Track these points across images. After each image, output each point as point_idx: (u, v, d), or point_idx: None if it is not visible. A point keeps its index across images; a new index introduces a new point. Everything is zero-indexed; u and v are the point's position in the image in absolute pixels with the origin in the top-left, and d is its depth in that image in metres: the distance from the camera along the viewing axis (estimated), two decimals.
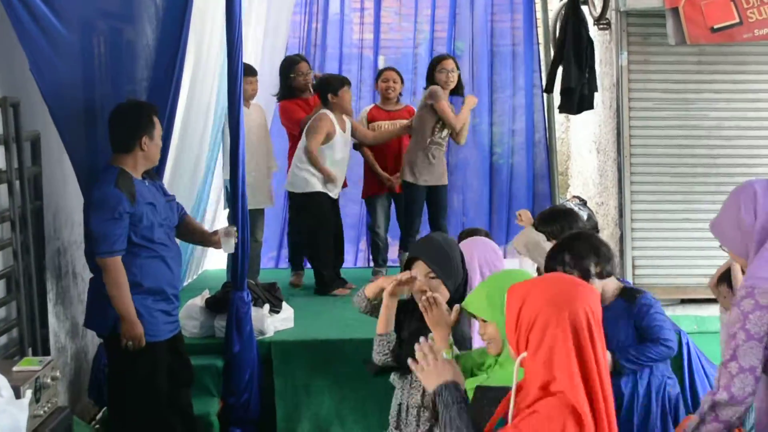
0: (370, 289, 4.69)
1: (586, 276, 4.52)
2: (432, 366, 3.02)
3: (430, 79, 9.03)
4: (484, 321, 3.50)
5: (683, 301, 9.25)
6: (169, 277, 5.96)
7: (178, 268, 6.16)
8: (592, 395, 2.75)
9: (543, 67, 10.68)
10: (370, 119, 9.63)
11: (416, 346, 3.08)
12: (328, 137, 8.84)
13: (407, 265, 4.48)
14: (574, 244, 4.66)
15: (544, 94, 10.44)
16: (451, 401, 2.90)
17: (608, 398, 2.82)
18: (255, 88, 9.10)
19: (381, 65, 10.89)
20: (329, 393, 7.04)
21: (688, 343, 7.25)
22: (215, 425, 6.85)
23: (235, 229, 6.62)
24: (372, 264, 10.10)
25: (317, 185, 8.86)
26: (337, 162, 8.97)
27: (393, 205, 9.73)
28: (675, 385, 4.99)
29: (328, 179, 8.82)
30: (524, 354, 2.81)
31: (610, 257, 4.73)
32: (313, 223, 9.00)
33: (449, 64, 9.00)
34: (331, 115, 8.87)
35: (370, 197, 9.84)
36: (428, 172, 9.02)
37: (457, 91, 9.08)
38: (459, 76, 9.09)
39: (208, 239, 6.55)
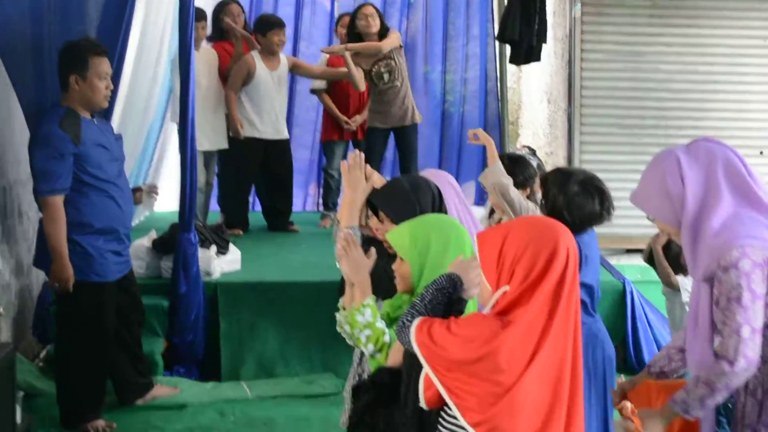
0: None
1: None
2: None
3: (353, 29, 8.96)
4: (401, 259, 3.47)
5: (628, 251, 9.35)
6: (120, 216, 5.92)
7: (129, 207, 6.12)
8: (564, 329, 2.81)
9: (496, 17, 10.67)
10: (330, 64, 9.61)
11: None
12: (249, 77, 8.92)
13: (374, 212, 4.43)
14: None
15: (497, 44, 10.44)
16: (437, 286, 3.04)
17: (577, 341, 2.88)
18: (207, 32, 9.08)
19: (337, 12, 10.84)
20: (274, 334, 7.07)
21: (632, 292, 7.36)
22: (160, 364, 6.85)
23: (157, 187, 6.59)
24: (322, 207, 10.12)
25: (245, 131, 8.97)
26: (262, 100, 9.01)
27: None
28: (604, 346, 4.89)
29: (238, 125, 8.88)
30: (506, 288, 2.83)
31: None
32: (232, 167, 9.16)
33: (368, 9, 8.95)
34: (256, 56, 8.97)
35: (329, 141, 9.84)
36: (383, 116, 9.01)
37: (384, 36, 9.00)
38: (382, 21, 9.01)
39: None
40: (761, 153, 9.04)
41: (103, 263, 5.85)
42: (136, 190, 6.45)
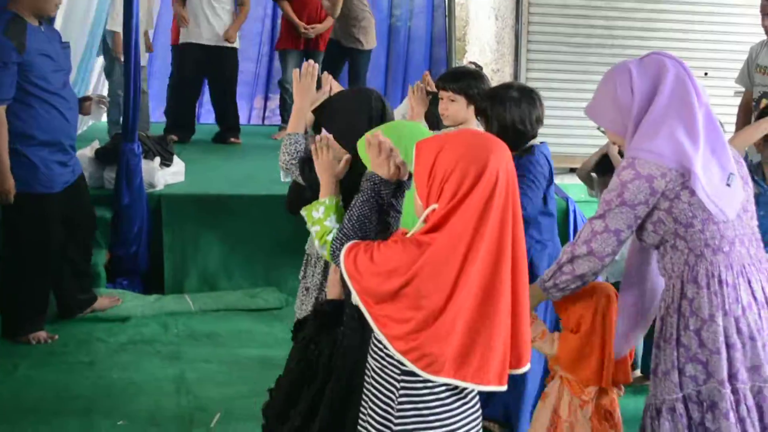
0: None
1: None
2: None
3: None
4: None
5: (572, 170, 9.41)
6: (65, 128, 5.83)
7: (75, 118, 6.02)
8: (501, 250, 2.77)
9: None
10: None
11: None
12: None
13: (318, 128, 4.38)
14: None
15: None
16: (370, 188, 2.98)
17: (518, 260, 2.85)
18: None
19: None
20: (218, 247, 7.06)
21: (575, 210, 7.41)
22: (102, 276, 6.82)
23: (107, 98, 6.48)
24: (281, 121, 10.06)
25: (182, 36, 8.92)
26: (203, 5, 8.93)
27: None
28: (542, 250, 4.92)
29: (183, 20, 8.82)
30: (434, 206, 2.79)
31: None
32: (175, 72, 9.19)
33: None
34: None
35: (284, 51, 9.73)
36: (346, 32, 8.95)
37: None
38: None
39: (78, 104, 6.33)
40: (705, 74, 9.11)
41: (48, 174, 5.78)
42: (85, 99, 6.34)
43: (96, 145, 7.38)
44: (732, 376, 3.33)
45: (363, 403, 2.98)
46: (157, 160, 7.30)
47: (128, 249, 6.93)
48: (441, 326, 2.75)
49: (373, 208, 3.00)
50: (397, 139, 3.21)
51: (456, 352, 2.77)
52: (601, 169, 5.55)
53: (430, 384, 2.83)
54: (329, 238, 3.25)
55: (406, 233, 2.87)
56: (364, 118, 3.74)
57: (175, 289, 7.01)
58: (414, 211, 2.98)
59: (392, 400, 2.86)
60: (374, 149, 3.02)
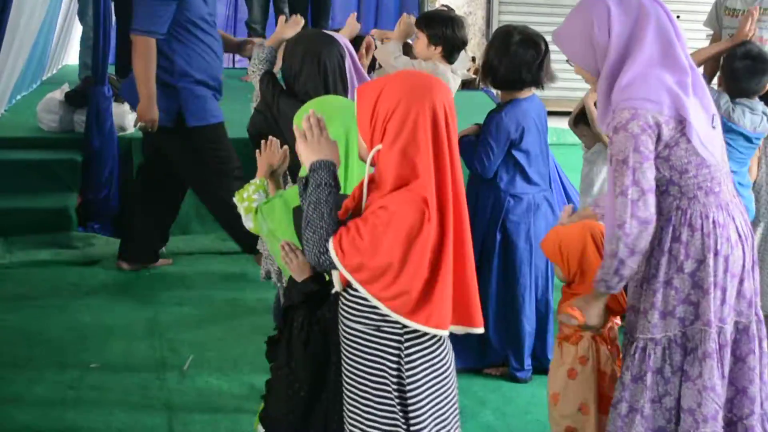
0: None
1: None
2: (315, 139, 2.92)
3: None
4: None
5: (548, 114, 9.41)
6: (219, 67, 6.05)
7: (222, 56, 6.20)
8: (442, 190, 2.78)
9: None
10: None
11: (304, 117, 3.02)
12: None
13: None
14: None
15: None
16: (324, 182, 2.85)
17: (460, 195, 2.85)
18: None
19: None
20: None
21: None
22: (73, 219, 6.81)
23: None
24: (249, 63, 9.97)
25: None
26: None
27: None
28: (547, 217, 4.94)
29: None
30: (379, 146, 2.79)
31: None
32: None
33: None
34: None
35: None
36: None
37: None
38: None
39: (235, 48, 6.42)
40: (678, 17, 9.07)
41: (214, 104, 6.02)
42: (247, 42, 6.28)
43: (66, 88, 7.32)
44: (715, 316, 3.37)
45: (349, 379, 2.96)
46: (127, 103, 7.24)
47: (99, 192, 6.90)
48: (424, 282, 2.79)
49: (329, 187, 2.88)
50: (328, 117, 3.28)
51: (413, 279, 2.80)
52: (578, 121, 5.61)
53: (431, 334, 2.87)
54: (255, 205, 3.41)
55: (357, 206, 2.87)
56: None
57: None
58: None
59: (400, 357, 2.86)
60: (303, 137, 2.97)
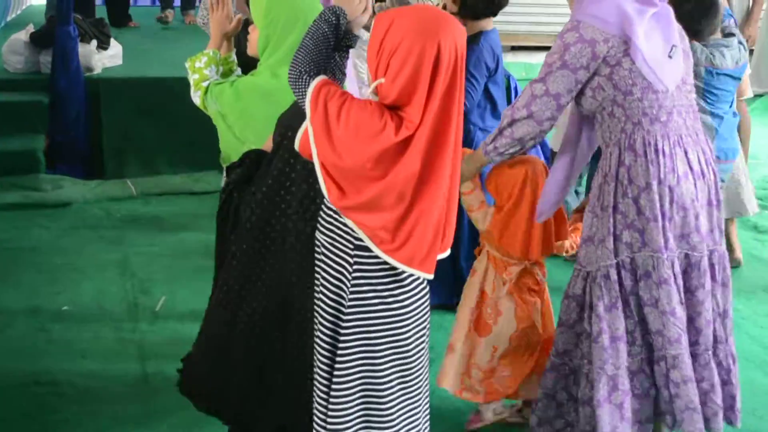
0: None
1: None
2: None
3: None
4: (254, 25, 3.52)
5: (513, 48, 9.40)
6: None
7: None
8: (435, 129, 2.74)
9: None
10: None
11: None
12: None
13: None
14: None
15: None
16: (327, 20, 2.90)
17: (458, 139, 2.82)
18: None
19: None
20: (158, 132, 7.00)
21: (516, 88, 7.40)
22: (41, 162, 6.76)
23: None
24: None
25: None
26: None
27: None
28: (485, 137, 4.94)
29: None
30: (381, 80, 2.76)
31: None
32: None
33: None
34: None
35: None
36: None
37: None
38: None
39: None
40: None
41: None
42: None
43: (31, 28, 7.23)
44: (664, 245, 3.40)
45: (316, 276, 2.98)
46: (94, 43, 7.18)
47: (67, 134, 6.85)
48: (392, 209, 2.77)
49: (331, 27, 2.92)
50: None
51: (403, 238, 2.79)
52: None
53: (382, 260, 2.84)
54: (205, 84, 3.47)
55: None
56: None
57: (117, 174, 6.96)
58: None
59: (345, 276, 2.86)
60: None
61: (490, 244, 3.77)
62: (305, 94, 2.79)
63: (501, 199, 3.69)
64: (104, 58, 7.27)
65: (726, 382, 3.64)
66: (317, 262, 2.98)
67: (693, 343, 3.53)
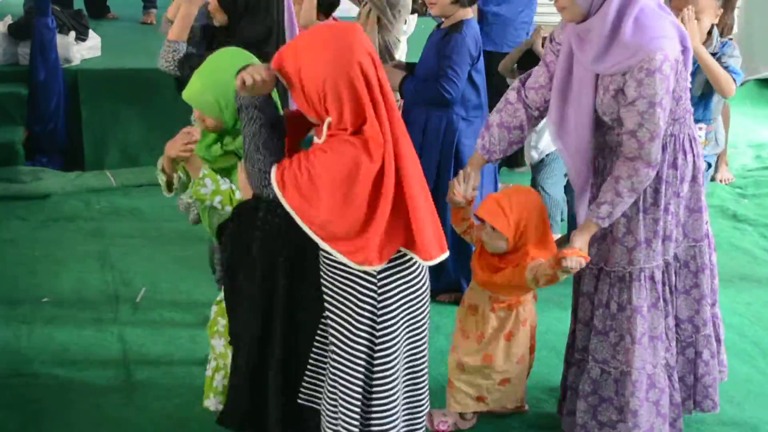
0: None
1: None
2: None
3: None
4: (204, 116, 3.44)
5: None
6: None
7: None
8: (383, 131, 2.78)
9: None
10: None
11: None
12: None
13: None
14: None
15: None
16: (254, 117, 2.85)
17: (402, 135, 2.85)
18: None
19: None
20: (138, 122, 6.97)
21: None
22: (20, 153, 6.73)
23: None
24: None
25: None
26: None
27: None
28: (468, 127, 4.95)
29: None
30: (329, 119, 2.78)
31: None
32: None
33: None
34: None
35: None
36: None
37: None
38: None
39: None
40: None
41: None
42: None
43: (9, 20, 7.18)
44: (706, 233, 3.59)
45: (331, 315, 3.04)
46: (72, 34, 7.14)
47: (46, 125, 6.82)
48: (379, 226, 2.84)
49: (264, 126, 2.88)
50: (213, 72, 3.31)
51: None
52: (523, 64, 5.54)
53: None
54: (238, 195, 3.31)
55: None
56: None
57: (96, 166, 6.94)
58: None
59: (375, 284, 2.94)
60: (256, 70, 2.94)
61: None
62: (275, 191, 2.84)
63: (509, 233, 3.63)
64: (83, 50, 7.23)
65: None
66: (331, 299, 3.03)
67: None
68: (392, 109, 2.84)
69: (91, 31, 7.44)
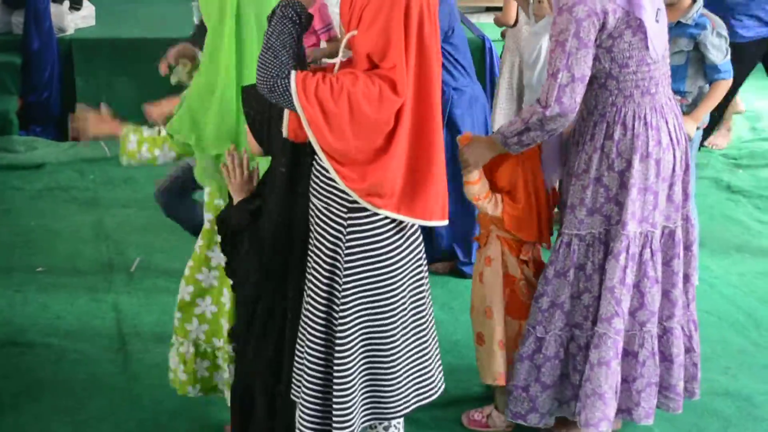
0: None
1: None
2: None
3: None
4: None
5: (488, 9, 9.37)
6: None
7: None
8: (421, 75, 2.75)
9: None
10: None
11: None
12: None
13: None
14: None
15: None
16: (290, 17, 2.74)
17: (433, 90, 2.80)
18: None
19: None
20: (133, 93, 6.90)
21: (490, 49, 7.38)
22: (14, 123, 6.72)
23: None
24: None
25: None
26: None
27: None
28: (485, 110, 4.96)
29: None
30: (354, 32, 2.74)
31: None
32: None
33: None
34: None
35: None
36: None
37: None
38: None
39: None
40: None
41: None
42: None
43: None
44: (643, 219, 3.38)
45: (310, 243, 2.97)
46: (66, 3, 7.12)
47: (40, 95, 6.81)
48: (388, 161, 2.77)
49: (290, 37, 2.78)
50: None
51: (401, 190, 2.80)
52: None
53: (376, 220, 2.84)
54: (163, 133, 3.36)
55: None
56: None
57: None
58: None
59: (340, 239, 2.86)
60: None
61: (500, 228, 3.64)
62: (289, 95, 2.71)
63: (500, 184, 3.58)
64: (77, 19, 7.21)
65: (688, 350, 3.65)
66: (312, 227, 2.95)
67: (667, 318, 3.55)
68: (431, 62, 2.80)
69: (85, 0, 7.41)
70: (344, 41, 2.80)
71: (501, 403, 3.77)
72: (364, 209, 2.82)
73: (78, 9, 7.26)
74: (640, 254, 3.41)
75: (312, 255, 2.96)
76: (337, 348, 2.90)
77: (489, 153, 3.48)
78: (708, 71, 4.50)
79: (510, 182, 3.55)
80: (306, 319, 2.96)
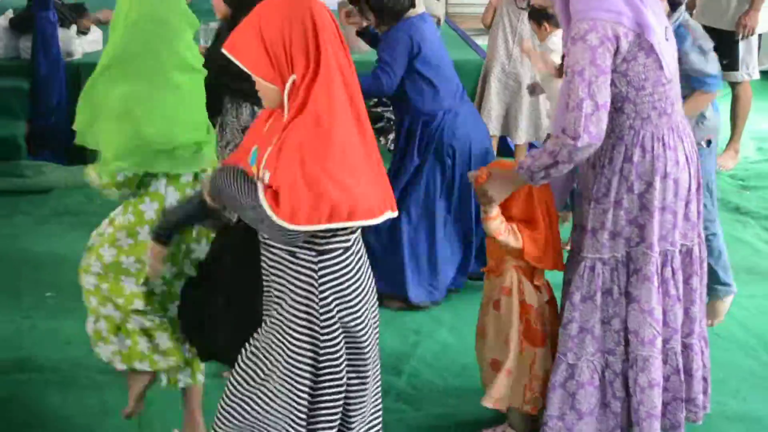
0: None
1: None
2: None
3: None
4: None
5: None
6: None
7: None
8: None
9: None
10: None
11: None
12: None
13: None
14: None
15: None
16: (229, 177, 2.75)
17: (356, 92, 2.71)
18: None
19: None
20: None
21: None
22: (22, 148, 6.74)
23: None
24: None
25: None
26: None
27: None
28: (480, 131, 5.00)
29: None
30: (293, 76, 2.64)
31: None
32: None
33: None
34: None
35: None
36: None
37: None
38: None
39: None
40: None
41: None
42: None
43: (10, 14, 7.19)
44: (662, 239, 3.39)
45: (267, 305, 2.86)
46: (74, 28, 7.14)
47: (48, 120, 6.82)
48: (338, 174, 2.63)
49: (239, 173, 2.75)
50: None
51: (353, 199, 2.64)
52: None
53: (343, 256, 2.76)
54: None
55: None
56: None
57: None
58: None
59: (313, 286, 2.74)
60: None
61: (515, 257, 3.62)
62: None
63: (512, 212, 3.57)
64: (84, 43, 7.23)
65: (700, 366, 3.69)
66: (272, 280, 2.84)
67: (687, 335, 3.57)
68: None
69: (92, 25, 7.43)
70: (286, 93, 2.70)
71: (514, 420, 3.77)
72: (333, 250, 2.74)
73: (86, 33, 7.29)
74: (662, 273, 3.43)
75: (275, 311, 2.84)
76: (328, 392, 2.83)
77: (512, 187, 3.46)
78: (693, 81, 4.32)
79: (524, 211, 3.56)
80: (282, 374, 2.81)
